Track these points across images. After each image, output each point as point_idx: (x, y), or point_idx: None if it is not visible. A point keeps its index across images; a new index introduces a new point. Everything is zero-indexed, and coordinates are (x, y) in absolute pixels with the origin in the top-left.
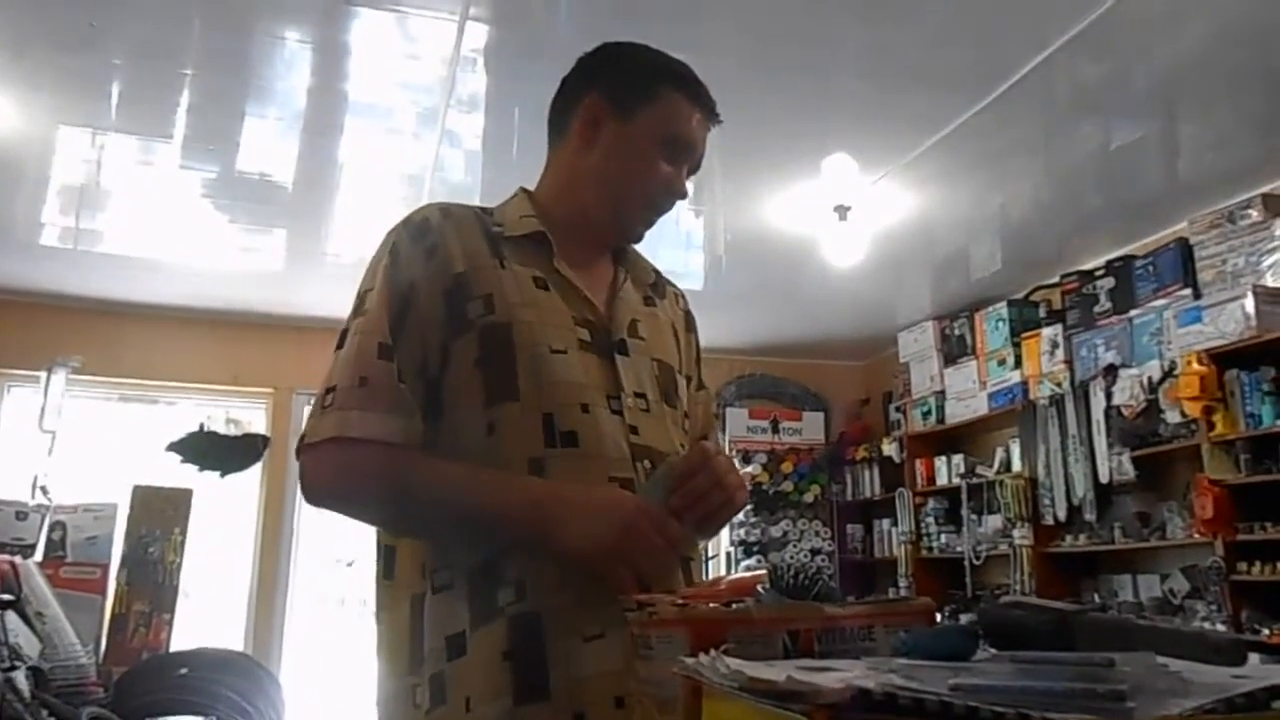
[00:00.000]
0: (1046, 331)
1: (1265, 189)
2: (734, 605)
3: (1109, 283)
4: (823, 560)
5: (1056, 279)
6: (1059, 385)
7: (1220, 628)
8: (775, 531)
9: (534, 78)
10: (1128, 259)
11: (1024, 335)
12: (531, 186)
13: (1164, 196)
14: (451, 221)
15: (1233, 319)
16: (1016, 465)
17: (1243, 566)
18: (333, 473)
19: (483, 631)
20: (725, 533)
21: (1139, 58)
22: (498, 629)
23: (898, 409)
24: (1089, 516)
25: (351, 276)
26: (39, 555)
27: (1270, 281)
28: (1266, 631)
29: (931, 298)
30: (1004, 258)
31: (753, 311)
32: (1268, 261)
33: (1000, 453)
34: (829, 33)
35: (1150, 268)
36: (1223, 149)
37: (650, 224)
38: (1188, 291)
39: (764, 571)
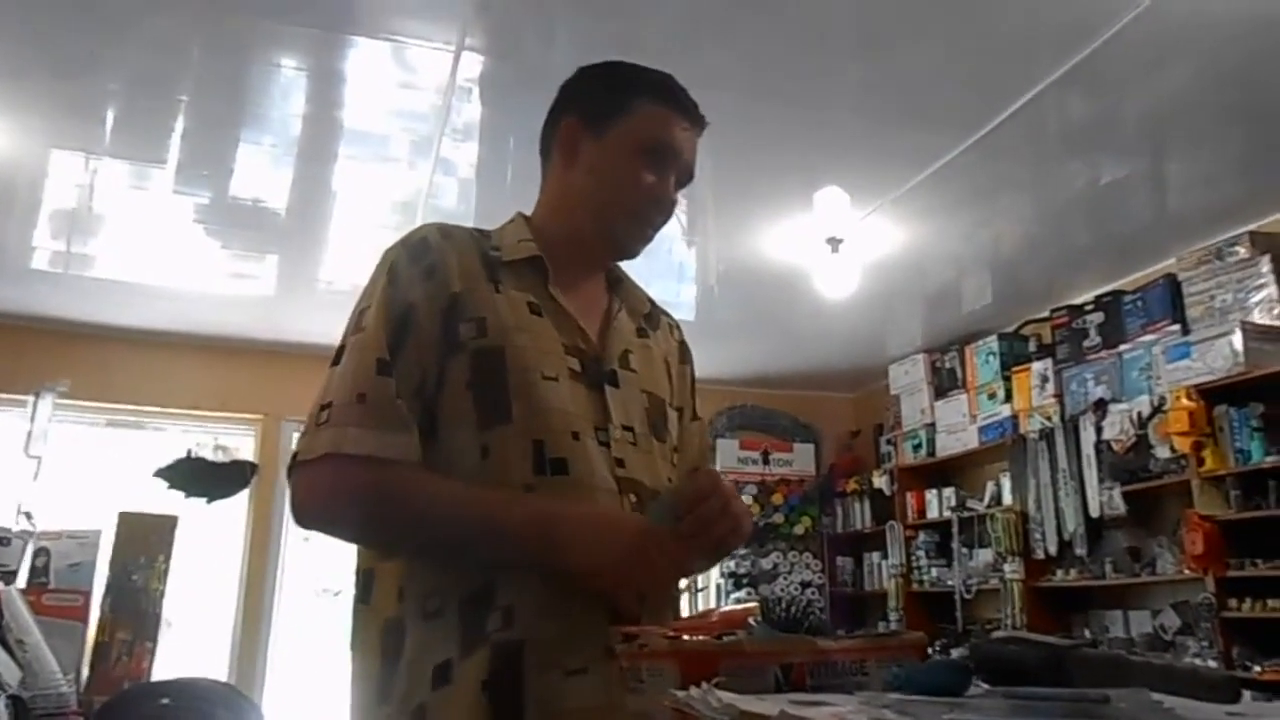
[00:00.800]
0: (1036, 365)
1: (1252, 226)
2: (725, 638)
3: (1098, 318)
4: (813, 593)
5: (1046, 313)
6: (1049, 419)
7: (1211, 664)
8: (765, 563)
9: (529, 107)
10: (1117, 294)
11: (1014, 369)
12: (529, 213)
13: (1152, 233)
14: (450, 242)
15: (1221, 355)
16: (1007, 499)
17: (1233, 603)
18: (327, 490)
19: (468, 661)
20: (715, 565)
21: (1127, 96)
22: (480, 657)
23: (888, 441)
24: (1080, 551)
25: (343, 304)
26: (21, 582)
27: (1258, 318)
28: (1258, 668)
29: (922, 330)
30: (994, 291)
31: (744, 342)
32: (1255, 298)
33: (991, 486)
34: (823, 68)
35: (1139, 303)
36: (1210, 186)
37: (645, 238)
38: (1176, 327)
39: (755, 604)
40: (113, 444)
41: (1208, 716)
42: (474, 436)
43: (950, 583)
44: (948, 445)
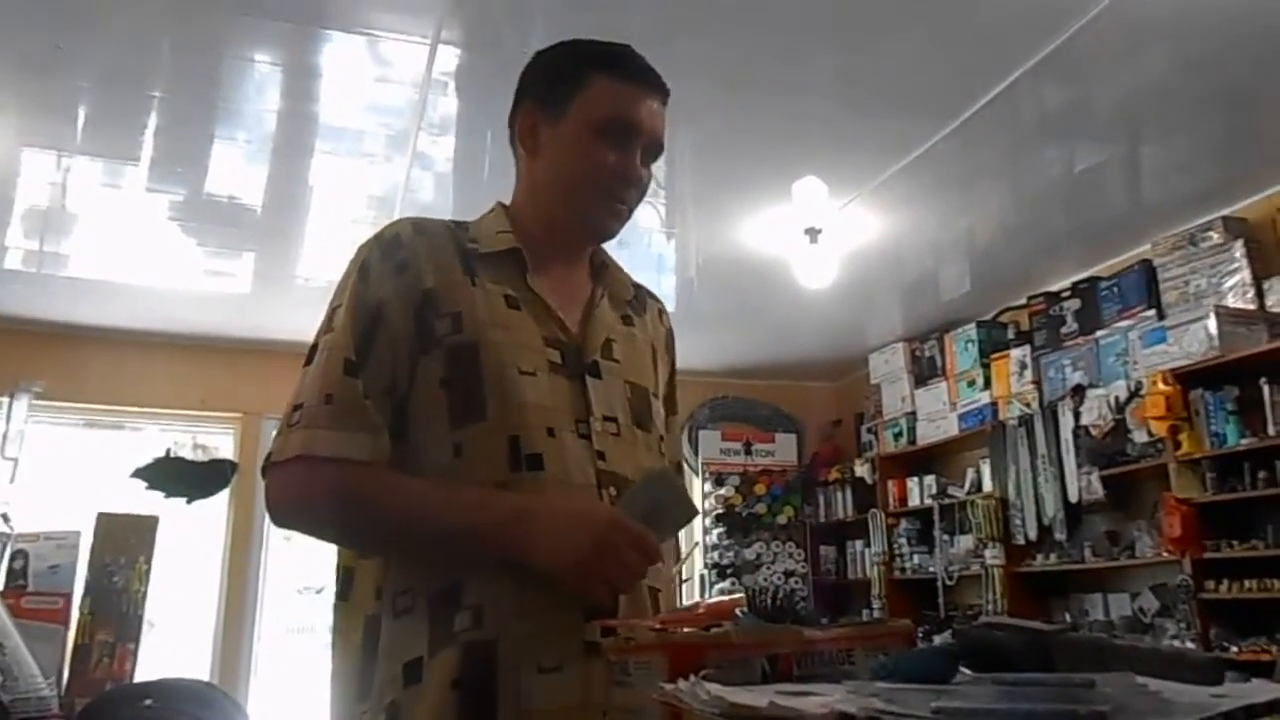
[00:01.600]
0: (1015, 352)
1: (1225, 211)
2: (712, 629)
3: (1075, 304)
4: (796, 582)
5: (1024, 300)
6: (1028, 406)
7: (1190, 645)
8: (749, 554)
9: (506, 100)
10: (1093, 280)
11: (993, 356)
12: (508, 202)
13: (1128, 219)
14: (424, 237)
15: (1196, 339)
16: (987, 485)
17: (1211, 584)
18: (298, 492)
19: (438, 659)
20: (699, 556)
21: (1102, 83)
22: (449, 656)
23: (869, 430)
24: (1059, 536)
25: (321, 300)
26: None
27: (1232, 302)
28: (1235, 649)
29: (902, 319)
30: (972, 279)
31: (725, 334)
32: (1229, 282)
33: (971, 473)
34: (799, 57)
35: (1115, 289)
36: (1184, 173)
37: (619, 215)
38: (1152, 312)
39: (741, 595)
40: (90, 444)
41: (1193, 699)
42: (447, 434)
43: (932, 570)
44: (928, 433)
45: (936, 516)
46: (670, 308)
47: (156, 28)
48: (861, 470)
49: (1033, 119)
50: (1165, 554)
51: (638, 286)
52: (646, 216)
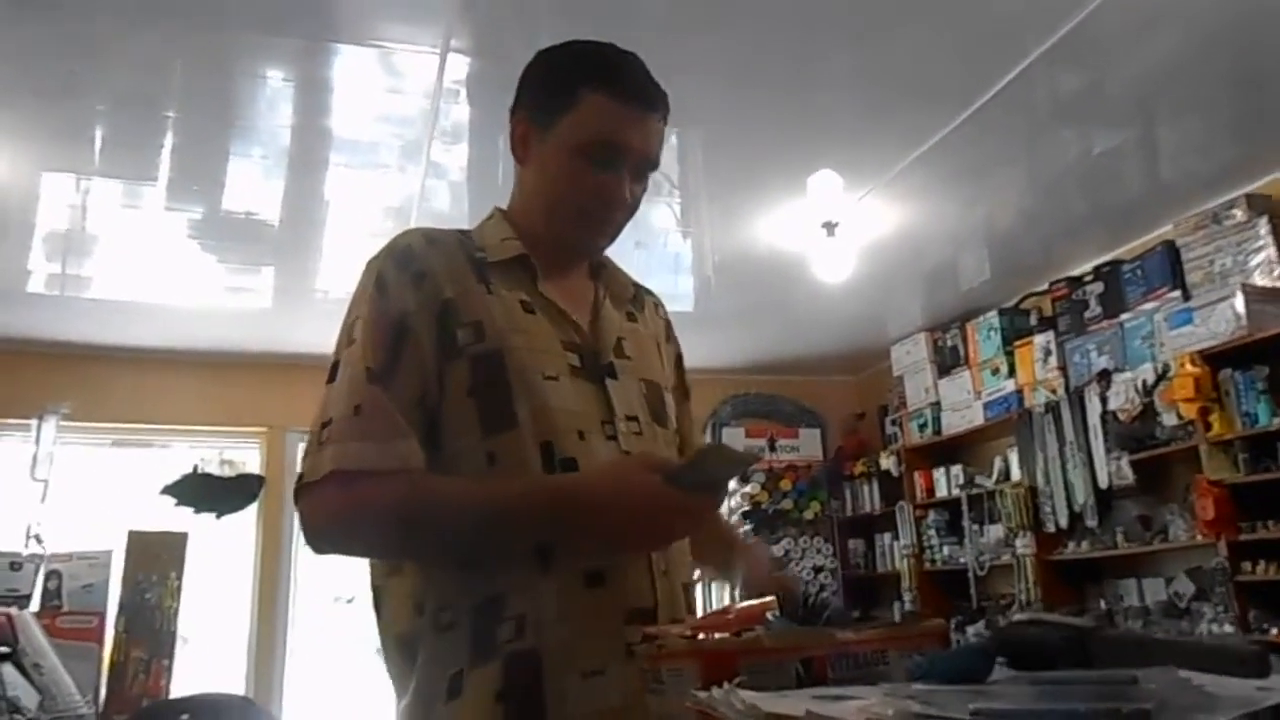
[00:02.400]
0: (1039, 339)
1: (1248, 189)
2: (744, 634)
3: (1098, 288)
4: (825, 577)
5: (1046, 286)
6: (1054, 392)
7: (1228, 629)
8: (777, 550)
9: None
10: (1115, 263)
11: (1016, 343)
12: (505, 206)
13: (1148, 200)
14: (436, 247)
15: (1223, 319)
16: (1015, 474)
17: (1247, 566)
18: (338, 510)
19: (479, 672)
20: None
21: (1116, 65)
22: (493, 669)
23: (894, 422)
24: (1090, 522)
25: (341, 312)
26: (35, 605)
27: (1259, 280)
28: (1275, 631)
29: (922, 310)
30: (992, 267)
31: (744, 330)
32: (1255, 260)
33: (999, 462)
34: (811, 51)
35: (1138, 271)
36: (1204, 151)
37: (599, 234)
38: (1177, 293)
39: (772, 599)
40: (119, 463)
41: (1238, 693)
42: (479, 443)
43: (963, 560)
44: (953, 423)
45: (965, 507)
46: (688, 307)
47: (169, 49)
48: (887, 463)
49: (1048, 104)
50: (1199, 537)
51: (635, 285)
52: (662, 216)
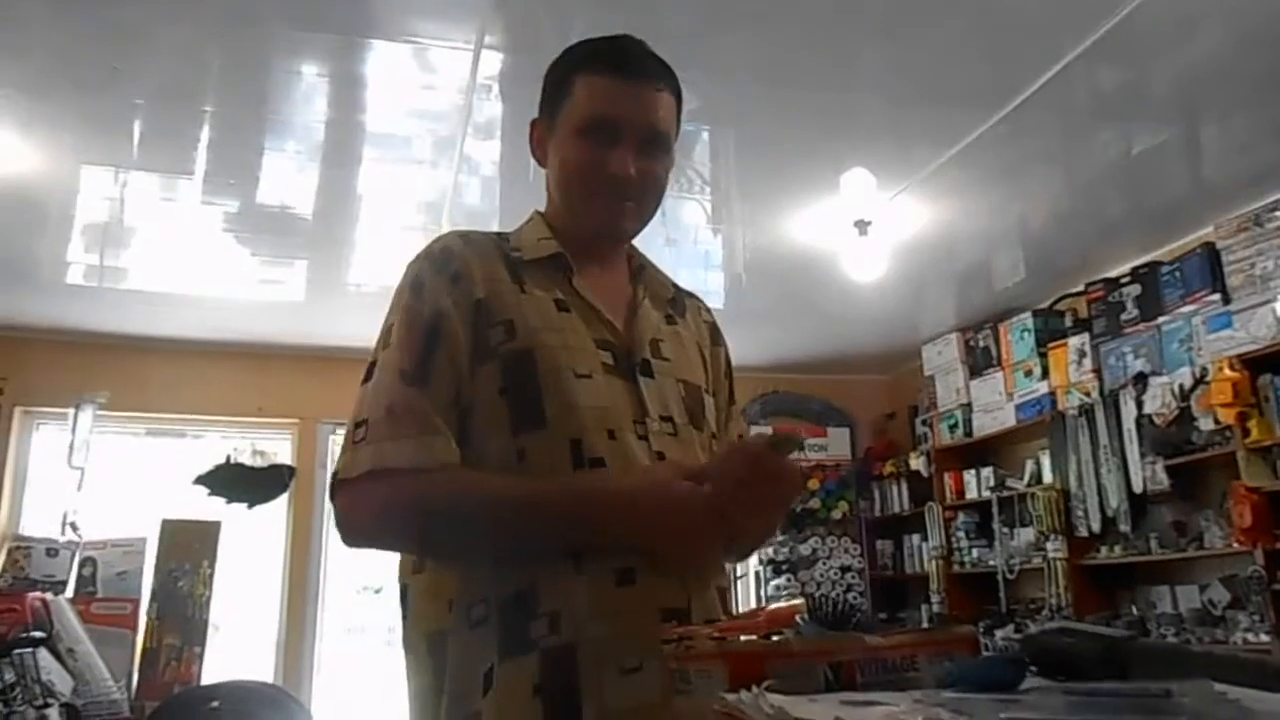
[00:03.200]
0: (1073, 341)
1: None
2: (773, 637)
3: (1135, 290)
4: (853, 577)
5: (1081, 287)
6: (1088, 395)
7: (1263, 638)
8: (804, 549)
9: None
10: (1153, 265)
11: (1050, 345)
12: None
13: (1188, 201)
14: (472, 247)
15: (1264, 323)
16: (1047, 477)
17: None
18: (374, 507)
19: (512, 665)
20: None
21: (1157, 64)
22: (529, 663)
23: (924, 422)
24: (1124, 527)
25: (373, 305)
26: (70, 591)
27: None
28: None
29: (955, 310)
30: (1027, 268)
31: (774, 328)
32: None
33: (1030, 465)
34: (845, 50)
35: (1177, 274)
36: (1247, 152)
37: (618, 215)
38: (1216, 297)
39: (801, 602)
40: (153, 453)
41: (1274, 708)
42: (509, 442)
43: (992, 563)
44: (985, 424)
45: (995, 509)
46: (719, 304)
47: (206, 44)
48: (917, 463)
49: (1086, 103)
50: (1235, 545)
51: (676, 287)
52: (693, 213)
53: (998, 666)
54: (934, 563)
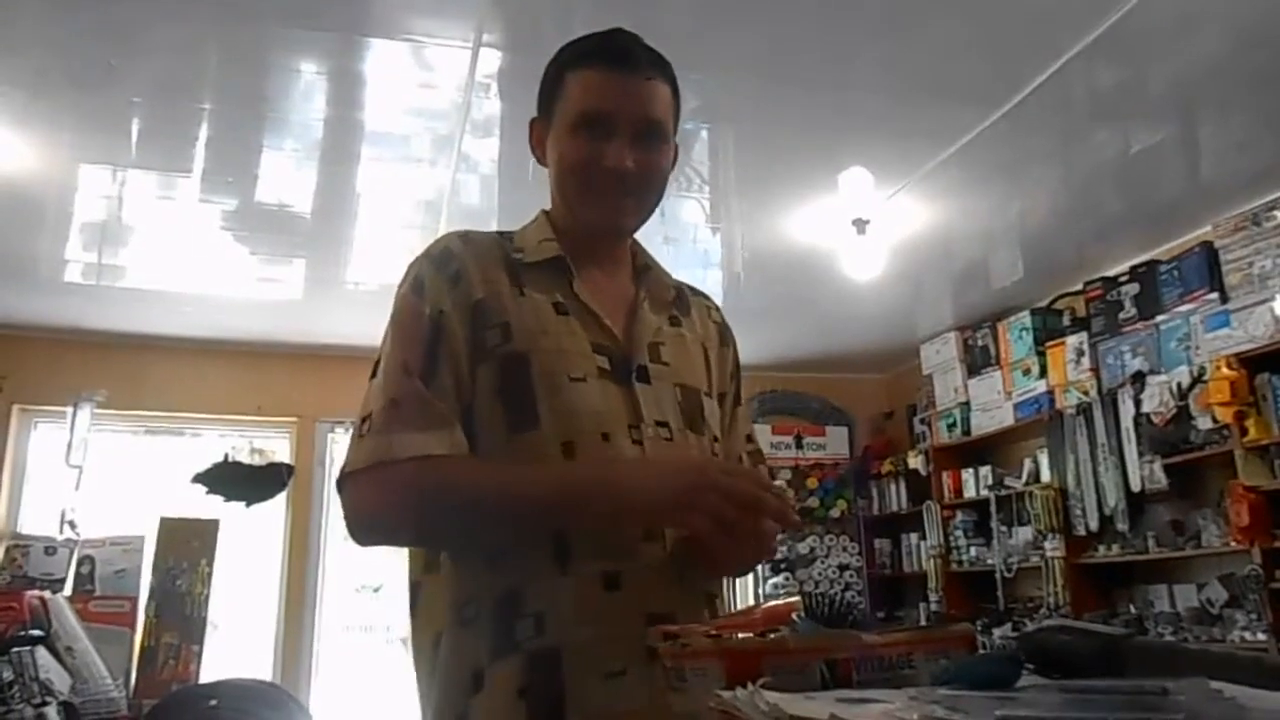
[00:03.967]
0: (1071, 340)
1: None
2: (769, 634)
3: (1133, 289)
4: (851, 576)
5: (1080, 286)
6: (1086, 394)
7: (1261, 637)
8: (802, 548)
9: None
10: (1152, 264)
11: (1048, 344)
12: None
13: (1187, 200)
14: (471, 248)
15: (1261, 322)
16: (1046, 476)
17: None
18: (379, 498)
19: (500, 666)
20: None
21: (1155, 62)
22: (514, 664)
23: (922, 421)
24: (1121, 526)
25: (371, 303)
26: (68, 589)
27: None
28: None
29: (953, 309)
30: (1025, 266)
31: (772, 327)
32: None
33: (1029, 463)
34: (842, 48)
35: (1175, 272)
36: (1245, 151)
37: (615, 210)
38: (1214, 295)
39: (798, 599)
40: (151, 451)
41: (1272, 705)
42: (504, 443)
43: (990, 562)
44: (983, 423)
45: (993, 508)
46: (717, 302)
47: (204, 42)
48: (915, 462)
49: (1084, 102)
50: (1233, 543)
51: (679, 286)
52: (691, 212)
53: (994, 664)
54: (932, 561)
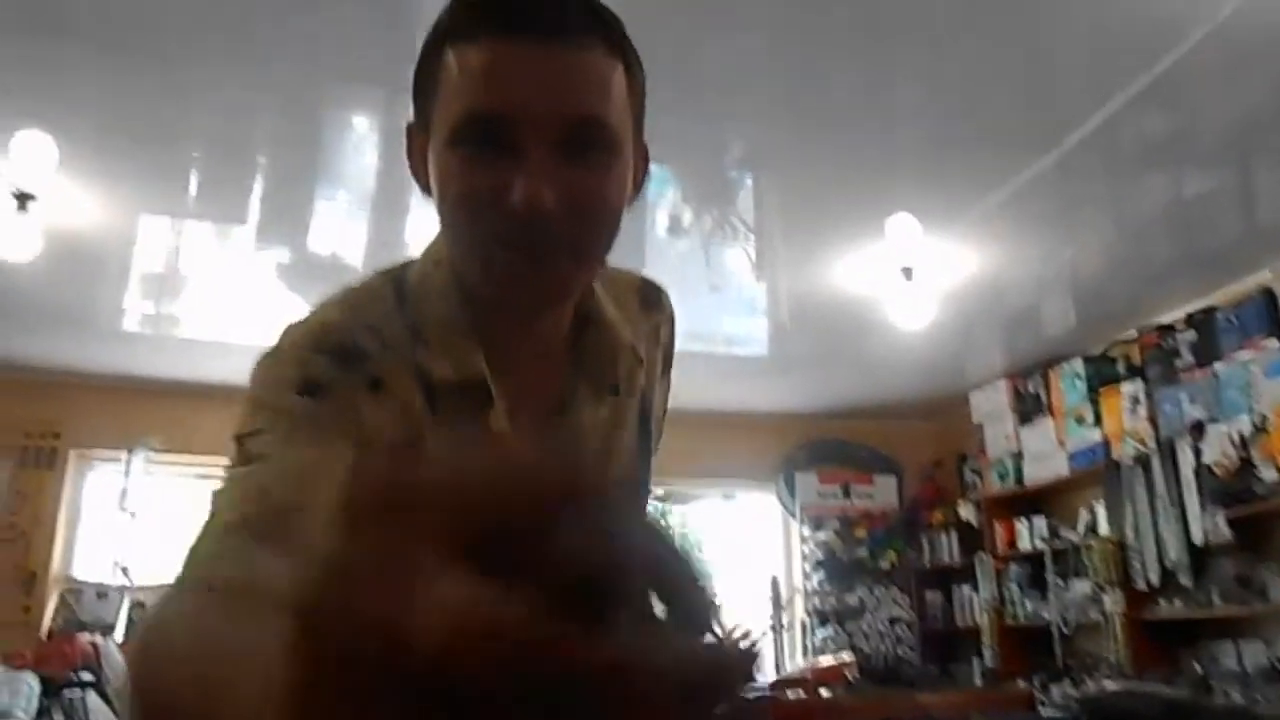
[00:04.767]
0: (1126, 387)
1: None
2: (822, 693)
3: (1190, 336)
4: (902, 630)
5: (1134, 333)
6: (1143, 443)
7: None
8: (851, 600)
9: None
10: (1209, 311)
11: (1103, 391)
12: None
13: (1244, 245)
14: (391, 354)
15: None
16: (1103, 528)
17: None
18: None
19: None
20: (799, 602)
21: (1207, 108)
22: None
23: (973, 470)
24: (1184, 581)
25: None
26: (119, 635)
27: None
28: None
29: (1003, 356)
30: (1077, 313)
31: (819, 375)
32: None
33: (1085, 515)
34: (885, 97)
35: (1233, 319)
36: None
37: (535, 277)
38: (1275, 342)
39: (851, 659)
40: (204, 497)
41: None
42: None
43: (1046, 616)
44: (1036, 473)
45: (1049, 560)
46: (762, 350)
47: (261, 97)
48: (966, 512)
49: (1135, 147)
50: None
51: (625, 324)
52: (736, 260)
53: None
54: (986, 615)
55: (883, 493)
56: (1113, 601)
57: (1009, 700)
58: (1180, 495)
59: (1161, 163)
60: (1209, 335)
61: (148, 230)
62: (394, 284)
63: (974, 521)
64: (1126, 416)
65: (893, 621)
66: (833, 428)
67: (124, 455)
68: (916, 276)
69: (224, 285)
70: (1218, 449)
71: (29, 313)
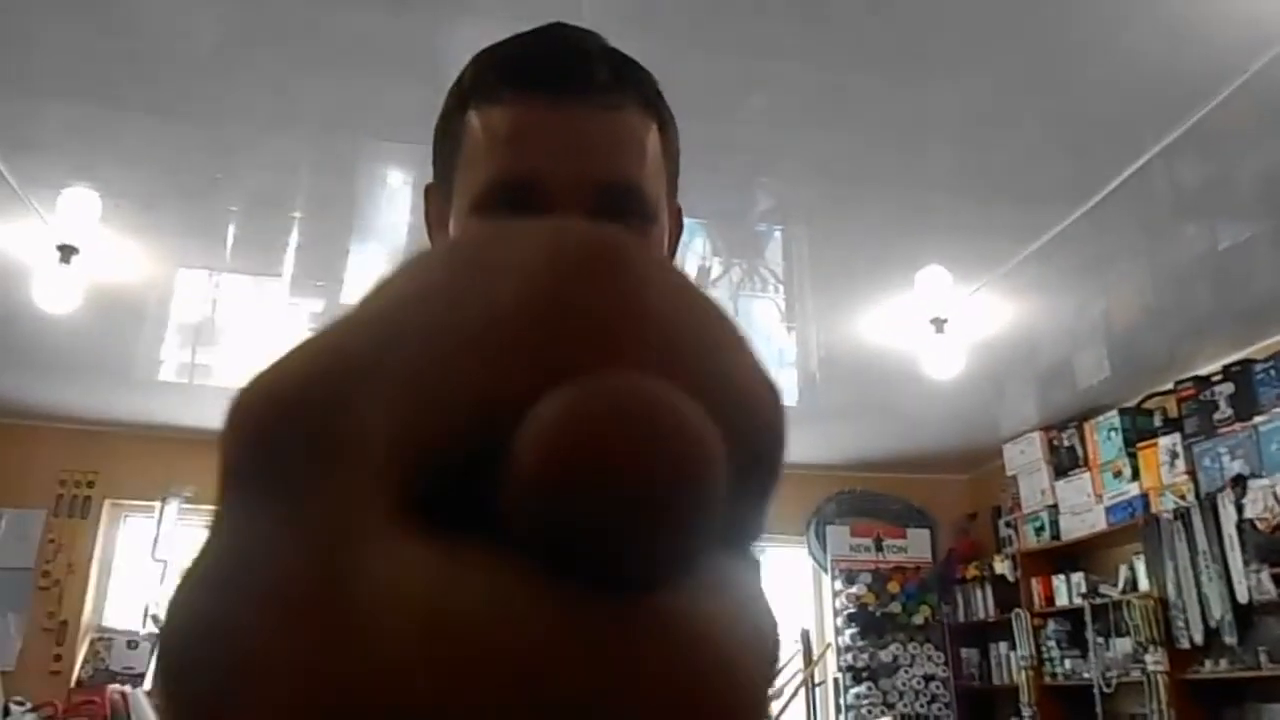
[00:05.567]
0: (1164, 441)
1: None
2: None
3: (1228, 388)
4: (937, 687)
5: (1171, 386)
6: (1183, 498)
7: None
8: (885, 656)
9: None
10: (1247, 363)
11: (1140, 445)
12: None
13: (1279, 298)
14: None
15: None
16: (1144, 584)
17: None
18: None
19: None
20: (832, 658)
21: (1240, 158)
22: None
23: (1008, 524)
24: (1229, 639)
25: None
26: (148, 684)
27: None
28: None
29: (1037, 408)
30: (1112, 365)
31: (850, 427)
32: None
33: (1124, 571)
34: (916, 152)
35: (1273, 371)
36: None
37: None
38: None
39: None
40: None
41: None
42: None
43: (1086, 675)
44: (1073, 527)
45: (1089, 617)
46: (792, 401)
47: (298, 154)
48: (1002, 567)
49: (1169, 199)
50: None
51: None
52: (765, 311)
53: None
54: (1023, 673)
55: (916, 546)
56: (1155, 660)
57: None
58: (1223, 551)
59: (1195, 215)
60: (1246, 388)
61: (186, 282)
62: None
63: (1009, 576)
64: (1165, 470)
65: (928, 679)
66: (864, 480)
67: (157, 504)
68: (948, 328)
69: (258, 335)
70: (1260, 504)
71: (68, 363)
